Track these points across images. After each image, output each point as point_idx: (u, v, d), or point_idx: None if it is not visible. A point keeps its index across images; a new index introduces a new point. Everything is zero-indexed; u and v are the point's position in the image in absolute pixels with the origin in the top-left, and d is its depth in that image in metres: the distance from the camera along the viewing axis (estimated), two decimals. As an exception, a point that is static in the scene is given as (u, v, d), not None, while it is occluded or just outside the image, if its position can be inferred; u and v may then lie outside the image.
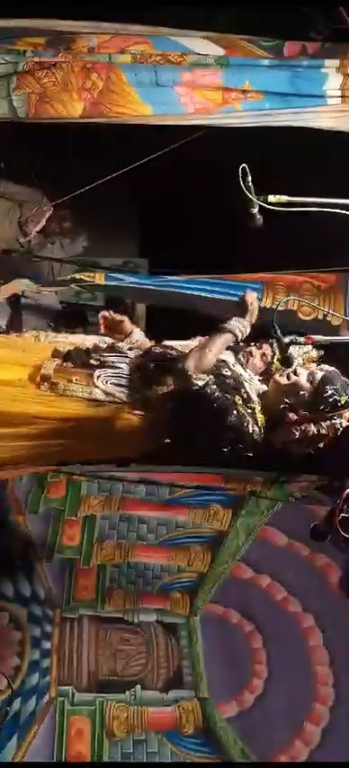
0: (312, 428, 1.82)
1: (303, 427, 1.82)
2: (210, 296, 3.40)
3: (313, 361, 2.27)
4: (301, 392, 1.84)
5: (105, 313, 2.17)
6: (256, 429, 1.81)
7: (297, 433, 1.83)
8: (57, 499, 4.05)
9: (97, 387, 1.90)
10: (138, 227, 4.46)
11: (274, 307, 3.11)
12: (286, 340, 2.24)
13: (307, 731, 3.43)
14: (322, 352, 2.44)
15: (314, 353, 2.33)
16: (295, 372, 1.88)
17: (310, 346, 2.32)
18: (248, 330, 1.89)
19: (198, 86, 3.01)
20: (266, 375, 2.27)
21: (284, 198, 1.99)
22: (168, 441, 1.84)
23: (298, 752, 3.39)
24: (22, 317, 3.55)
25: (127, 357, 1.97)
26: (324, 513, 2.14)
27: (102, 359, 1.96)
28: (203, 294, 3.41)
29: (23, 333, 2.85)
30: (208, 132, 3.09)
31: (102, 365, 1.94)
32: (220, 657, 3.80)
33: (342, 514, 2.02)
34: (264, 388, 1.94)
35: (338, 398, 1.81)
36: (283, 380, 1.88)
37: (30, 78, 2.92)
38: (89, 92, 2.95)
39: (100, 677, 3.68)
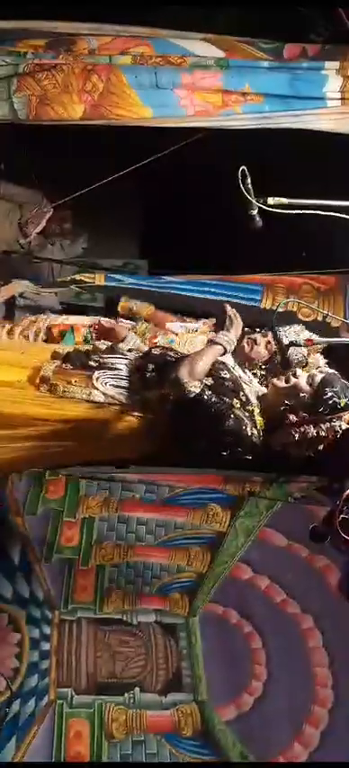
0: (312, 430, 1.82)
1: (303, 429, 1.82)
2: (209, 297, 3.41)
3: (318, 351, 2.28)
4: (301, 394, 1.85)
5: (96, 322, 2.19)
6: (255, 432, 1.81)
7: (296, 436, 1.83)
8: (55, 500, 4.05)
9: (96, 388, 1.90)
10: (137, 229, 4.46)
11: (274, 308, 3.11)
12: (286, 342, 2.25)
13: (306, 733, 3.43)
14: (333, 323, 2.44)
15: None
16: (295, 375, 1.88)
17: (315, 336, 2.33)
18: (235, 342, 1.92)
19: (198, 89, 3.01)
20: (271, 365, 2.27)
21: (284, 200, 1.99)
22: (167, 444, 1.84)
23: (297, 754, 3.39)
24: (15, 317, 3.54)
25: (126, 358, 1.97)
26: (323, 514, 2.13)
27: (101, 360, 1.96)
28: (203, 295, 3.41)
29: (17, 322, 2.84)
30: (208, 134, 3.09)
31: (102, 367, 1.94)
32: (219, 658, 3.80)
33: (341, 516, 2.01)
34: (264, 390, 1.94)
35: (338, 401, 1.81)
36: (282, 383, 1.88)
37: (30, 80, 2.92)
38: (89, 94, 2.96)
39: (99, 679, 3.67)
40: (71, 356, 1.99)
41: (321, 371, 1.89)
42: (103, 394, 1.89)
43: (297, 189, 2.03)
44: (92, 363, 1.95)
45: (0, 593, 3.71)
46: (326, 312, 3.31)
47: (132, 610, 3.89)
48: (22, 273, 3.66)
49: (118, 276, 3.62)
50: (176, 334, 2.60)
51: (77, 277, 3.60)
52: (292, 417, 1.83)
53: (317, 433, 1.82)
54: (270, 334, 2.33)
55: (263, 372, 2.31)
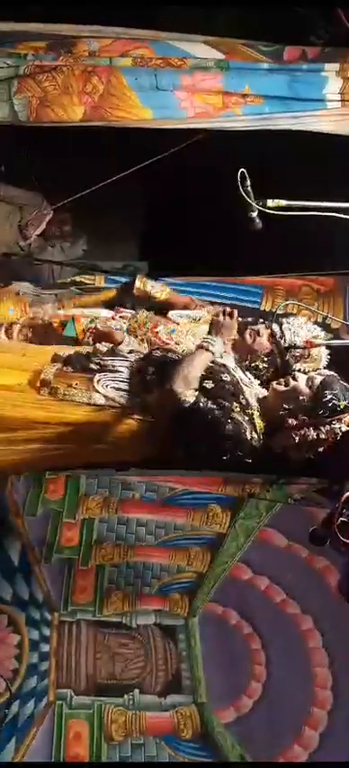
0: (312, 433, 1.82)
1: (302, 432, 1.82)
2: (209, 299, 3.40)
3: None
4: (300, 397, 1.85)
5: (92, 326, 2.18)
6: (255, 435, 1.81)
7: (296, 438, 1.83)
8: (55, 501, 4.05)
9: (97, 391, 1.90)
10: (137, 230, 4.46)
11: (274, 310, 3.11)
12: (285, 344, 2.25)
13: (305, 735, 3.43)
14: (330, 335, 2.44)
15: (322, 335, 2.33)
16: (294, 378, 1.88)
17: (319, 329, 2.33)
18: (220, 345, 1.91)
19: (198, 90, 3.01)
20: (272, 357, 2.27)
21: (283, 202, 2.00)
22: (168, 447, 1.84)
23: (296, 756, 3.39)
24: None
25: (127, 360, 1.97)
26: (323, 515, 2.13)
27: (102, 362, 1.96)
28: (203, 297, 3.41)
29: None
30: (208, 136, 3.10)
31: (102, 369, 1.94)
32: (219, 660, 3.80)
33: (341, 518, 2.01)
34: (264, 392, 1.94)
35: (337, 403, 1.82)
36: (282, 387, 1.88)
37: (30, 82, 2.92)
38: (90, 95, 2.96)
39: (98, 681, 3.68)
40: (72, 359, 1.99)
41: (320, 374, 1.89)
42: (104, 396, 1.89)
43: (296, 191, 2.04)
44: (92, 366, 1.95)
45: (0, 595, 3.72)
46: (325, 314, 3.31)
47: (132, 611, 3.89)
48: (22, 275, 3.66)
49: (118, 278, 3.62)
50: (178, 324, 2.58)
51: (77, 279, 3.60)
52: (292, 420, 1.83)
53: (317, 435, 1.82)
54: (274, 325, 2.32)
55: (264, 365, 2.30)
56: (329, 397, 1.81)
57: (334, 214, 2.02)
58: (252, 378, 1.99)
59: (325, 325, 2.89)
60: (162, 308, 2.72)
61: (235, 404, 1.80)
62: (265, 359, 2.31)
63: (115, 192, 3.30)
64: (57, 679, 3.62)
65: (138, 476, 3.97)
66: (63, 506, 4.05)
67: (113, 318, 2.72)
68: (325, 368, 2.21)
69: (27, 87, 2.92)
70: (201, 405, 1.78)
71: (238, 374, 1.91)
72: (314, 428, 1.82)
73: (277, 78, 3.07)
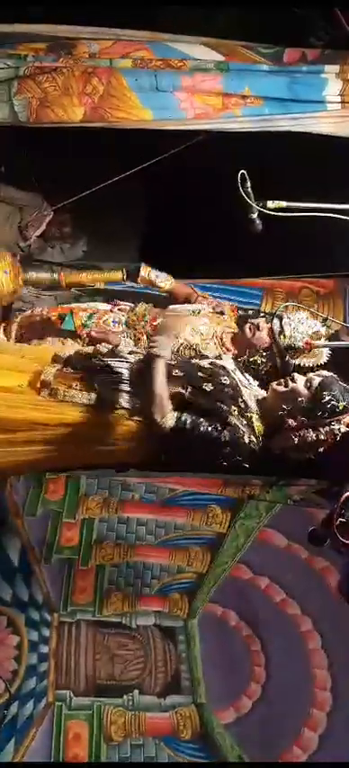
0: (311, 434, 1.82)
1: (302, 433, 1.83)
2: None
3: (322, 338, 2.28)
4: (299, 398, 1.85)
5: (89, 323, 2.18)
6: (253, 439, 1.82)
7: (296, 439, 1.84)
8: (55, 501, 4.05)
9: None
10: (137, 232, 4.46)
11: (273, 312, 3.11)
12: (285, 340, 2.25)
13: (305, 737, 3.43)
14: (331, 331, 2.44)
15: (323, 330, 2.33)
16: (293, 379, 1.88)
17: (320, 325, 2.33)
18: (169, 347, 1.89)
19: (198, 91, 3.02)
20: (271, 352, 2.27)
21: (283, 203, 2.00)
22: (167, 455, 1.84)
23: (296, 757, 3.39)
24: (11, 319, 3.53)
25: (127, 362, 1.97)
26: (323, 516, 2.14)
27: (102, 364, 1.96)
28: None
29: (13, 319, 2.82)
30: (208, 138, 3.10)
31: (103, 370, 1.94)
32: (218, 661, 3.80)
33: (340, 519, 2.02)
34: (263, 393, 1.94)
35: (336, 404, 1.82)
36: (281, 388, 1.88)
37: (31, 83, 2.92)
38: (90, 96, 2.96)
39: (97, 681, 3.68)
40: (72, 360, 1.99)
41: (319, 375, 1.89)
42: (104, 398, 1.89)
43: (296, 192, 2.04)
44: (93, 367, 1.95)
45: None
46: (325, 316, 3.31)
47: (131, 612, 3.89)
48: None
49: (117, 279, 3.62)
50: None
51: (77, 280, 3.59)
52: (291, 421, 1.83)
53: (317, 436, 1.82)
54: (275, 320, 2.32)
55: (263, 359, 2.30)
56: (328, 398, 1.82)
57: (334, 215, 2.02)
58: (251, 379, 1.99)
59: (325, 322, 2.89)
60: (161, 302, 2.71)
61: (233, 407, 1.80)
62: (264, 353, 2.31)
63: (115, 193, 3.30)
64: (56, 680, 3.62)
65: (138, 477, 3.97)
66: (63, 507, 4.05)
67: (112, 311, 2.71)
68: (325, 364, 2.21)
69: (27, 88, 2.93)
70: (188, 424, 1.77)
71: (237, 376, 1.91)
72: (313, 429, 1.82)
73: (277, 80, 3.07)
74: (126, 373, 1.93)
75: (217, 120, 3.08)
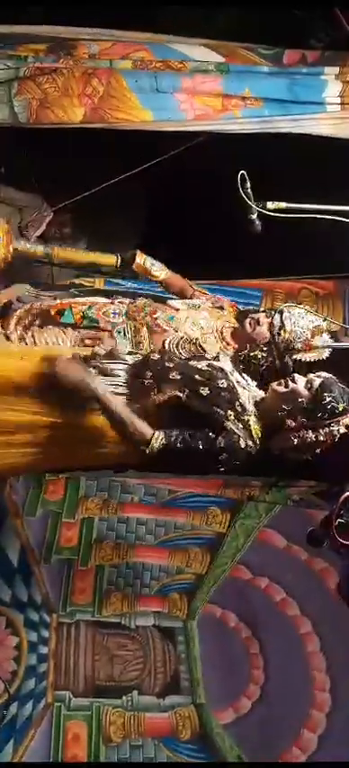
0: (310, 435, 1.82)
1: (301, 434, 1.83)
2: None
3: (323, 333, 2.28)
4: (299, 399, 1.84)
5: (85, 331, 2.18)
6: (250, 443, 1.81)
7: (295, 440, 1.83)
8: (55, 501, 4.05)
9: None
10: (137, 232, 4.46)
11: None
12: (285, 335, 2.25)
13: (304, 738, 3.43)
14: (332, 326, 2.43)
15: (324, 325, 2.32)
16: (293, 380, 1.88)
17: (321, 319, 2.32)
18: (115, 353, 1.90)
19: (198, 93, 3.02)
20: (270, 347, 2.26)
21: (283, 204, 2.00)
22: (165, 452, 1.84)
23: (295, 758, 3.39)
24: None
25: (126, 364, 1.97)
26: (322, 517, 2.14)
27: (100, 366, 1.95)
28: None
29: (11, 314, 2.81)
30: (208, 139, 3.10)
31: (101, 372, 1.94)
32: (218, 662, 3.80)
33: (338, 520, 2.02)
34: (262, 394, 1.94)
35: (336, 405, 1.82)
36: (281, 388, 1.88)
37: (31, 83, 2.92)
38: (90, 97, 2.96)
39: (97, 682, 3.67)
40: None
41: (319, 376, 1.89)
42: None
43: (296, 193, 2.04)
44: (91, 369, 1.95)
45: (-1, 596, 3.72)
46: (324, 316, 3.31)
47: (131, 613, 3.89)
48: (22, 277, 3.66)
49: (117, 280, 3.63)
50: (177, 310, 2.56)
51: (77, 281, 3.60)
52: (291, 422, 1.83)
53: (316, 437, 1.82)
54: (276, 315, 2.31)
55: (263, 354, 2.29)
56: (328, 399, 1.82)
57: (333, 217, 2.02)
58: (249, 379, 1.98)
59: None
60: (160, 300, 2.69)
61: (229, 411, 1.79)
62: (264, 348, 2.30)
63: (115, 194, 3.31)
64: (55, 680, 3.62)
65: (137, 478, 3.97)
66: (62, 507, 4.05)
67: (112, 303, 2.70)
68: (325, 362, 2.21)
69: (27, 89, 2.93)
70: (178, 443, 1.76)
71: (235, 377, 1.90)
72: (313, 430, 1.82)
73: (277, 81, 3.08)
74: (123, 376, 1.93)
75: (217, 122, 3.08)
